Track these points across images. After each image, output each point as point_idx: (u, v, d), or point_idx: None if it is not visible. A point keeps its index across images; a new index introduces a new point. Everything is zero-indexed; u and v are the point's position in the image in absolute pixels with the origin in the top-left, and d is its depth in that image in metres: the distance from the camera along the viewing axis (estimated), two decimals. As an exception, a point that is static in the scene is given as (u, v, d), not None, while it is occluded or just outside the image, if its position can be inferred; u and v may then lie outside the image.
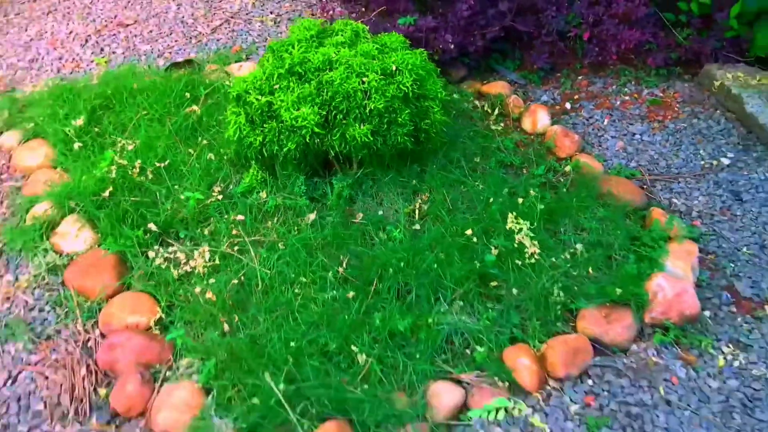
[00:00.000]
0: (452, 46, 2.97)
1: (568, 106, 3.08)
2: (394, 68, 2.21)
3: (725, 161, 2.75)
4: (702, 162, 2.76)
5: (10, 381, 1.91)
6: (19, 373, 1.93)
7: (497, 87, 3.08)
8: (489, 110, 2.96)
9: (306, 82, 2.20)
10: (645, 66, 3.23)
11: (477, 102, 3.03)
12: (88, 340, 2.01)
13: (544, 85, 3.23)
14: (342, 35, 2.33)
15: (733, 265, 2.32)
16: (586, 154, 2.75)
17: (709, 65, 3.13)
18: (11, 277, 2.18)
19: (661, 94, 3.13)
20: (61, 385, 1.89)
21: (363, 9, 3.52)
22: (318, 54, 2.22)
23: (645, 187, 2.63)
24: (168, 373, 1.90)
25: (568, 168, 2.64)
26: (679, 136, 2.88)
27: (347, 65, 2.19)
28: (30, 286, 2.15)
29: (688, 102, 3.08)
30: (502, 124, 2.91)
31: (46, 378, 1.91)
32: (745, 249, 2.38)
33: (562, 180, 2.60)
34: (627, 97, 3.13)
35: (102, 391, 1.88)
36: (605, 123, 2.96)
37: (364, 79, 2.16)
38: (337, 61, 2.21)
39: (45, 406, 1.85)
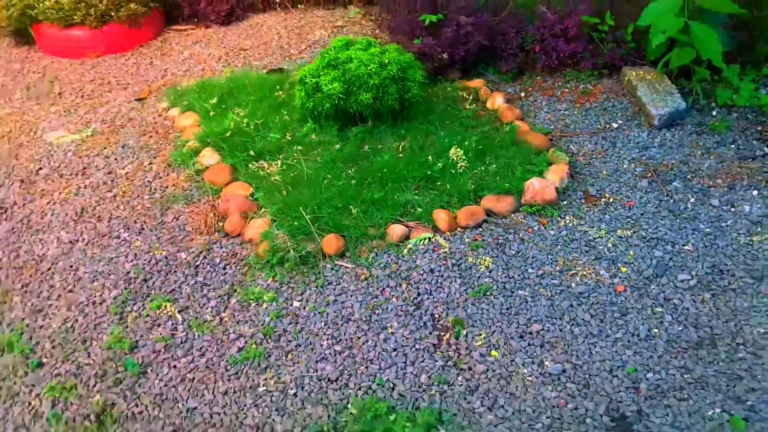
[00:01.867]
0: (445, 56, 4.61)
1: (523, 95, 4.63)
2: (386, 62, 3.89)
3: (615, 125, 4.20)
4: (599, 126, 4.22)
5: (174, 219, 3.71)
6: (180, 215, 3.72)
7: (476, 83, 4.67)
8: (467, 96, 4.55)
9: (336, 69, 3.92)
10: (583, 69, 4.72)
11: (461, 92, 4.63)
12: (215, 204, 3.78)
13: (513, 83, 4.79)
14: (360, 44, 4.04)
15: (593, 180, 3.78)
16: (522, 121, 4.28)
17: (626, 67, 4.59)
18: (176, 176, 4.02)
19: (592, 88, 4.61)
20: (199, 221, 3.65)
21: (400, 36, 5.23)
22: (344, 54, 3.95)
23: (553, 139, 4.13)
24: (253, 215, 3.62)
25: (507, 129, 4.18)
26: (590, 112, 4.36)
27: (360, 60, 3.89)
28: (186, 180, 3.97)
29: (607, 92, 4.54)
30: (474, 105, 4.50)
31: (193, 219, 3.69)
32: (604, 172, 3.83)
33: (499, 135, 4.14)
34: (567, 90, 4.63)
35: (220, 224, 3.63)
36: (543, 104, 4.49)
37: (369, 67, 3.86)
38: (355, 58, 3.92)
39: (192, 229, 3.62)
